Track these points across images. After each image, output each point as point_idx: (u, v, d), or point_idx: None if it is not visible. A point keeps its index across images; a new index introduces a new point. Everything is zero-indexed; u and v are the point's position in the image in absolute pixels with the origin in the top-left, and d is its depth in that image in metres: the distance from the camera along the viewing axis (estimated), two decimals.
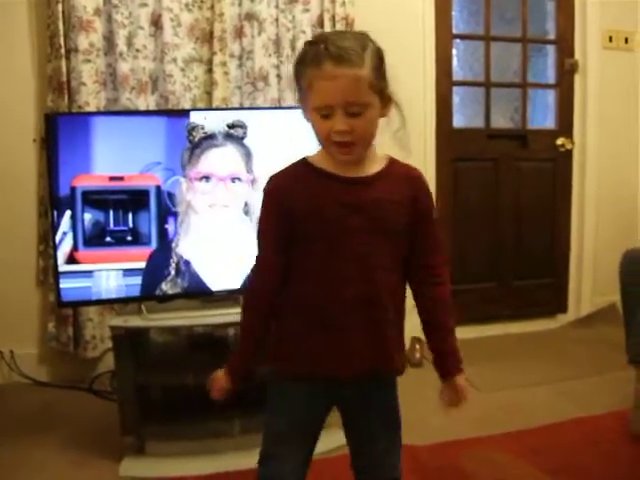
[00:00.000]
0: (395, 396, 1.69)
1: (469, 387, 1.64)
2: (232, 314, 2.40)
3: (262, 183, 1.60)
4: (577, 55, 4.37)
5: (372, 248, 1.50)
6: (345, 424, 1.69)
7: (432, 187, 3.88)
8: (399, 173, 1.58)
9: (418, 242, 1.58)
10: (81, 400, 3.24)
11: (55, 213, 2.50)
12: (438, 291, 1.64)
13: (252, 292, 1.63)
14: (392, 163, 1.59)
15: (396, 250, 1.55)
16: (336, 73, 1.40)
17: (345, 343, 1.52)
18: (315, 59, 1.42)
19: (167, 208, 2.56)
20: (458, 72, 4.26)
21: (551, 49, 4.44)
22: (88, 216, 2.51)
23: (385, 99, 1.51)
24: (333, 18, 3.59)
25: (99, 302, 2.83)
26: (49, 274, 3.35)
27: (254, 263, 1.60)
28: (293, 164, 1.58)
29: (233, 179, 2.58)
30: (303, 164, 1.56)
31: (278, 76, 3.54)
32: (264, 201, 1.56)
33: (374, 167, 1.55)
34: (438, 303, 1.65)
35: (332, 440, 2.11)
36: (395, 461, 1.68)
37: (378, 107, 1.49)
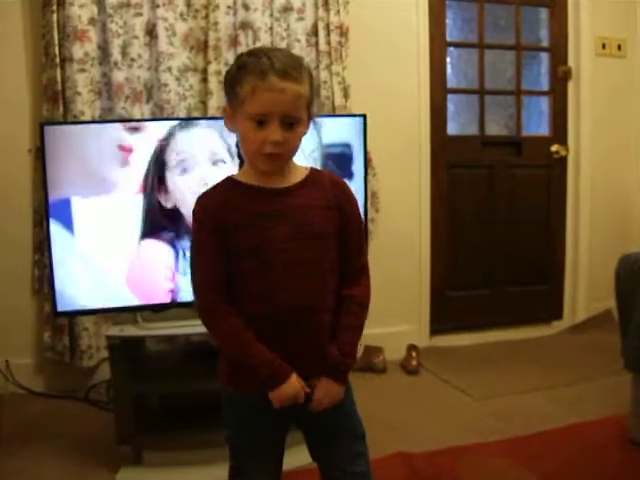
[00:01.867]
0: (349, 401, 1.67)
1: (336, 397, 1.59)
2: None
3: None
4: (570, 62, 4.39)
5: (301, 255, 1.52)
6: (306, 440, 1.69)
7: (427, 195, 3.96)
8: (322, 180, 1.61)
9: (342, 245, 1.60)
10: (77, 410, 3.23)
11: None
12: (354, 291, 1.62)
13: (208, 310, 1.58)
14: (314, 172, 1.64)
15: (326, 254, 1.56)
16: (281, 86, 1.44)
17: (283, 351, 1.52)
18: (259, 70, 1.45)
19: None
20: (452, 80, 4.27)
21: (545, 56, 4.46)
22: None
23: (309, 119, 1.56)
24: (327, 27, 3.60)
25: (95, 312, 2.82)
26: (44, 283, 3.34)
27: (195, 285, 1.59)
28: (219, 183, 1.61)
29: None
30: (229, 182, 1.60)
31: None
32: (198, 220, 1.57)
33: (296, 177, 1.59)
34: (350, 303, 1.61)
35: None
36: (363, 468, 1.65)
37: (307, 126, 1.54)
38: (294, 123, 1.48)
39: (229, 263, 1.53)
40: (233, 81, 1.51)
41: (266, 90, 1.44)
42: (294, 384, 1.52)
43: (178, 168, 2.58)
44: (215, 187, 1.60)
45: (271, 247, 1.50)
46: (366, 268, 1.66)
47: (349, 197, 1.64)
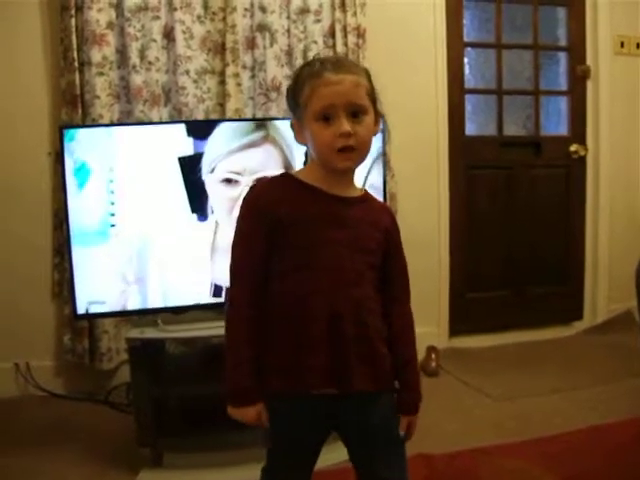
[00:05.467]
0: (391, 409, 1.64)
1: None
2: None
3: None
4: (589, 61, 4.37)
5: (347, 262, 1.52)
6: (345, 445, 1.67)
7: (445, 196, 3.95)
8: (375, 203, 1.66)
9: (388, 274, 1.63)
10: (97, 412, 3.25)
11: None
12: (404, 321, 1.64)
13: (238, 300, 1.56)
14: (368, 194, 1.66)
15: (372, 270, 1.57)
16: (337, 78, 1.47)
17: (311, 358, 1.50)
18: (314, 73, 1.49)
19: None
20: (470, 80, 4.26)
21: (563, 56, 4.44)
22: None
23: (377, 114, 1.56)
24: (344, 29, 3.60)
25: (115, 314, 2.83)
26: (64, 287, 3.36)
27: (231, 272, 1.58)
28: (277, 176, 1.62)
29: None
30: (288, 177, 1.61)
31: None
32: (248, 208, 1.56)
33: (356, 191, 1.61)
34: (403, 332, 1.63)
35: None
36: (401, 476, 1.63)
37: (373, 118, 1.54)
38: (360, 112, 1.48)
39: (272, 258, 1.53)
40: (293, 93, 1.54)
41: (323, 86, 1.46)
42: (250, 414, 1.54)
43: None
44: (272, 179, 1.60)
45: (323, 249, 1.50)
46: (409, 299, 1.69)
47: (395, 225, 1.67)
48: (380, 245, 1.59)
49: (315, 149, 1.53)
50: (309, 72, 1.50)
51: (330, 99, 1.46)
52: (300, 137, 1.57)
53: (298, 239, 1.51)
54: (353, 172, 1.59)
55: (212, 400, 2.67)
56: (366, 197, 1.63)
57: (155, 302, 2.63)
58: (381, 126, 1.60)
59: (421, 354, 3.83)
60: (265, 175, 1.62)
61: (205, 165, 2.57)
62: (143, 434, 2.57)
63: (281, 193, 1.54)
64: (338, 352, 1.50)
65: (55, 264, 3.41)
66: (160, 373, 2.66)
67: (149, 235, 2.59)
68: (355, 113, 1.48)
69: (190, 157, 2.57)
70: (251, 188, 1.59)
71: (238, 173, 2.58)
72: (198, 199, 2.59)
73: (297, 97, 1.52)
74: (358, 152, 1.51)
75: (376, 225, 1.59)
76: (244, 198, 1.58)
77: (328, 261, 1.51)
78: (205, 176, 2.57)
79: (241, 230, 1.57)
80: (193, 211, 2.59)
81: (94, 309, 2.60)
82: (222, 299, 2.63)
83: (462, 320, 4.22)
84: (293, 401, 1.55)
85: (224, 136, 2.60)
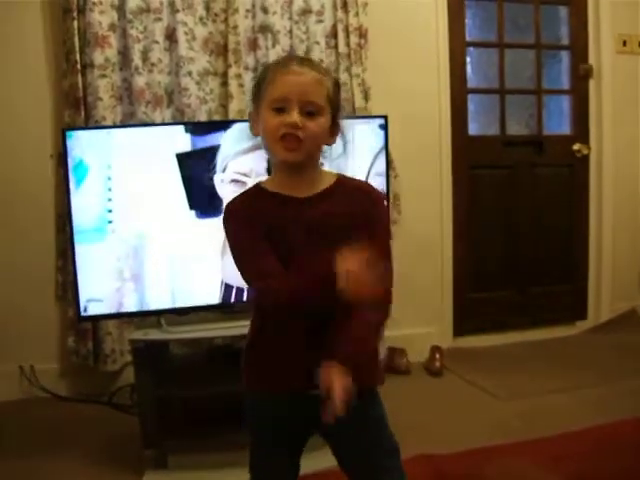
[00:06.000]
0: (377, 414, 1.63)
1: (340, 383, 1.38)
2: None
3: None
4: (591, 60, 4.36)
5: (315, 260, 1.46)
6: (333, 452, 1.66)
7: (448, 195, 3.94)
8: (348, 188, 1.58)
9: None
10: (101, 414, 3.25)
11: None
12: None
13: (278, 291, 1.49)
14: (341, 180, 1.60)
15: None
16: (300, 70, 1.47)
17: (294, 356, 1.51)
18: (279, 62, 1.53)
19: None
20: (472, 80, 4.25)
21: (565, 55, 4.43)
22: None
23: (335, 124, 1.54)
24: (346, 29, 3.60)
25: (118, 316, 2.83)
26: (68, 289, 3.36)
27: (254, 284, 1.55)
28: (248, 189, 1.61)
29: None
30: (257, 189, 1.59)
31: None
32: (232, 219, 1.55)
33: (321, 186, 1.56)
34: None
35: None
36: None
37: (328, 122, 1.51)
38: (314, 113, 1.46)
39: None
40: (258, 80, 1.54)
41: (286, 74, 1.46)
42: None
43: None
44: (244, 193, 1.60)
45: (296, 253, 1.49)
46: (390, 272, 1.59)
47: (375, 203, 1.60)
48: (357, 229, 1.49)
49: (264, 140, 1.51)
50: (275, 62, 1.54)
51: (287, 89, 1.45)
52: (255, 128, 1.55)
53: (273, 246, 1.49)
54: (311, 168, 1.55)
55: (216, 401, 2.69)
56: (336, 187, 1.57)
57: (158, 303, 2.63)
58: (339, 139, 1.59)
59: (425, 354, 3.83)
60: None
61: (217, 163, 2.59)
62: (147, 435, 2.57)
63: (251, 205, 1.54)
64: (319, 350, 1.47)
65: (59, 266, 3.41)
66: (164, 374, 2.65)
67: (147, 232, 2.61)
68: (310, 112, 1.46)
69: (188, 153, 2.58)
70: (227, 205, 1.58)
71: (245, 174, 2.59)
72: (197, 196, 2.60)
73: (260, 86, 1.51)
74: (304, 145, 1.46)
75: (348, 214, 1.52)
76: (223, 217, 1.56)
77: (294, 263, 1.49)
78: (216, 175, 2.59)
79: (239, 243, 1.55)
80: (191, 208, 2.61)
81: (92, 307, 2.60)
82: (230, 299, 2.65)
83: (466, 320, 4.21)
84: (273, 397, 1.57)
85: (234, 136, 2.61)
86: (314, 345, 1.49)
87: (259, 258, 1.50)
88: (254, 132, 1.56)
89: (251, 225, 1.51)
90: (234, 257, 1.55)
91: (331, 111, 1.51)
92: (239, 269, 1.55)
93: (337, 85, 1.56)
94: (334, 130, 1.55)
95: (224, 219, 1.56)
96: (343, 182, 1.60)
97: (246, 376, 1.63)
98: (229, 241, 1.56)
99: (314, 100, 1.46)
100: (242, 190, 1.62)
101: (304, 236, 1.49)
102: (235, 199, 1.59)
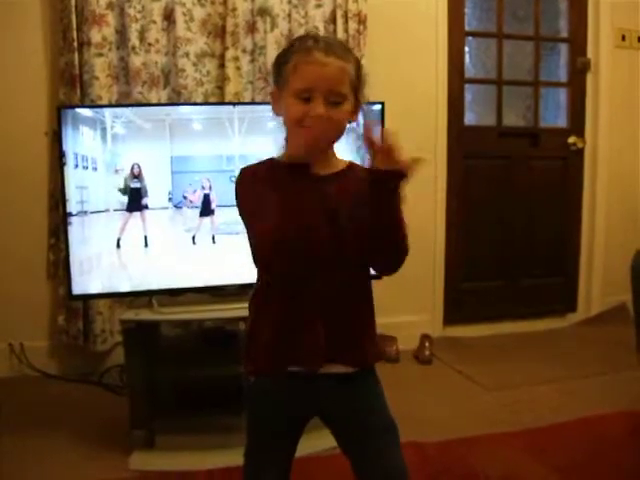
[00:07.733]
0: (375, 393, 1.65)
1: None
2: (243, 308, 2.40)
3: None
4: (589, 54, 4.36)
5: (329, 244, 1.47)
6: (334, 435, 1.65)
7: (442, 185, 3.95)
8: (359, 174, 1.55)
9: None
10: (91, 393, 3.25)
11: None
12: None
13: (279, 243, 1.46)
14: (352, 166, 1.60)
15: (355, 241, 1.48)
16: (325, 60, 1.44)
17: (303, 337, 1.51)
18: (304, 47, 1.46)
19: None
20: (470, 70, 4.25)
21: (563, 47, 4.43)
22: None
23: (357, 102, 1.54)
24: (346, 14, 3.59)
25: (110, 295, 2.83)
26: (59, 267, 3.36)
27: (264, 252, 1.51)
28: (262, 160, 1.59)
29: None
30: (272, 161, 1.57)
31: None
32: (242, 183, 1.56)
33: (336, 168, 1.56)
34: None
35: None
36: (396, 462, 1.59)
37: (351, 106, 1.51)
38: (339, 102, 1.46)
39: None
40: (280, 61, 1.51)
41: (310, 64, 1.44)
42: None
43: None
44: (259, 162, 1.59)
45: (296, 227, 1.46)
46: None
47: None
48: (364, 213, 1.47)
49: (285, 122, 1.51)
50: (299, 46, 1.47)
51: (312, 82, 1.44)
52: (277, 107, 1.54)
53: (287, 212, 1.47)
54: (329, 150, 1.55)
55: (206, 383, 2.69)
56: (348, 170, 1.57)
57: (150, 284, 2.63)
58: (360, 116, 1.57)
59: (415, 342, 3.84)
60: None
61: None
62: (136, 416, 2.57)
63: (270, 172, 1.54)
64: (323, 331, 1.50)
65: (51, 245, 3.40)
66: (154, 355, 2.66)
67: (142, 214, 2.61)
68: (335, 102, 1.45)
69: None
70: (241, 171, 1.58)
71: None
72: None
73: (281, 67, 1.50)
74: (324, 136, 1.48)
75: (359, 193, 1.47)
76: (237, 180, 1.57)
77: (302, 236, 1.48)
78: None
79: (249, 201, 1.53)
80: None
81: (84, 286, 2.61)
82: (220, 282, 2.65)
83: (456, 309, 4.22)
84: (273, 379, 1.56)
85: None
86: (317, 325, 1.50)
87: (266, 216, 1.47)
88: (275, 111, 1.55)
89: (263, 189, 1.50)
90: (243, 219, 1.54)
91: (354, 92, 1.51)
92: (247, 231, 1.53)
93: (359, 65, 1.55)
94: (357, 108, 1.55)
95: (237, 182, 1.57)
96: (354, 167, 1.60)
97: (246, 360, 1.60)
98: (238, 204, 1.56)
99: (339, 90, 1.46)
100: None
101: (320, 206, 1.48)
102: (250, 165, 1.59)
